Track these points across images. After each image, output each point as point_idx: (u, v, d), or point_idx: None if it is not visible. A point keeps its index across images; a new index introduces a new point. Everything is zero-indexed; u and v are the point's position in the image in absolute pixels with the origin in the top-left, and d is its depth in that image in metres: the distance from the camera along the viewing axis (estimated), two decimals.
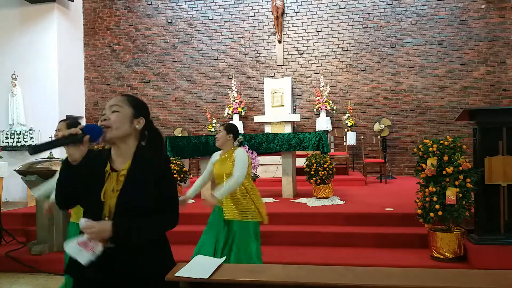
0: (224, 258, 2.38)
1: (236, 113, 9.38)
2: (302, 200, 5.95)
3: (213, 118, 9.60)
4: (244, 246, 3.17)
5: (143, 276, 1.62)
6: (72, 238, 1.58)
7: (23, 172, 4.75)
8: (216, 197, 3.10)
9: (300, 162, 6.86)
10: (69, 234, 3.14)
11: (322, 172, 5.74)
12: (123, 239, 1.57)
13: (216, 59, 10.06)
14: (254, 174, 5.61)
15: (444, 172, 3.84)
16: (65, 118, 3.40)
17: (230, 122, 3.46)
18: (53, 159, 4.64)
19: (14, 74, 9.31)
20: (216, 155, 3.44)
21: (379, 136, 8.79)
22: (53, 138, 1.64)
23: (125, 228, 1.56)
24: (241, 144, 3.47)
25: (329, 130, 8.97)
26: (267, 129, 9.04)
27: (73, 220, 3.13)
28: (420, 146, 4.10)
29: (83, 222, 1.55)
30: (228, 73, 9.95)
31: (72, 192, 1.63)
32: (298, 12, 9.73)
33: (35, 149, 1.49)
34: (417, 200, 4.09)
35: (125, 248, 1.59)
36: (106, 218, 1.59)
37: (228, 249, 3.16)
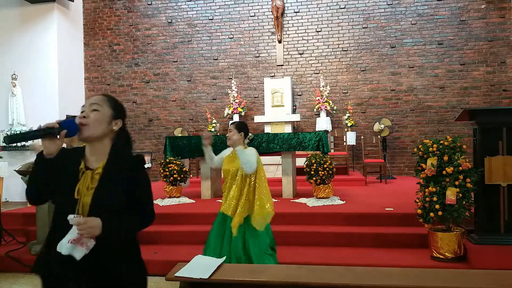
0: (224, 258, 2.37)
1: (236, 113, 9.38)
2: (302, 200, 5.94)
3: (213, 118, 9.60)
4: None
5: (122, 277, 1.63)
6: (64, 237, 1.56)
7: (23, 172, 4.75)
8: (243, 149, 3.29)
9: (300, 162, 6.86)
10: None
11: (322, 172, 5.73)
12: (109, 236, 1.58)
13: (216, 59, 10.06)
14: None
15: (444, 172, 3.84)
16: (65, 118, 3.35)
17: (240, 120, 3.52)
18: None
19: (14, 74, 9.31)
20: (227, 151, 3.51)
21: (379, 136, 8.79)
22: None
23: (112, 225, 1.59)
24: (251, 142, 3.52)
25: (329, 130, 8.97)
26: (267, 129, 9.04)
27: None
28: (420, 146, 4.10)
29: (72, 217, 1.54)
30: (228, 73, 9.95)
31: (44, 187, 1.64)
32: (298, 12, 9.73)
33: (11, 139, 1.54)
34: (417, 200, 4.09)
35: (107, 249, 1.60)
36: (80, 216, 1.58)
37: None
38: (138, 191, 1.70)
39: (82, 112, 1.69)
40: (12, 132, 9.08)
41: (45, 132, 1.57)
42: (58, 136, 1.59)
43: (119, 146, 1.74)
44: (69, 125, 1.61)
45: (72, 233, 1.55)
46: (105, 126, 1.70)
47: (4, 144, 8.94)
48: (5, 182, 8.52)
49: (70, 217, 1.54)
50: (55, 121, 1.61)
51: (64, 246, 1.54)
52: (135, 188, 1.68)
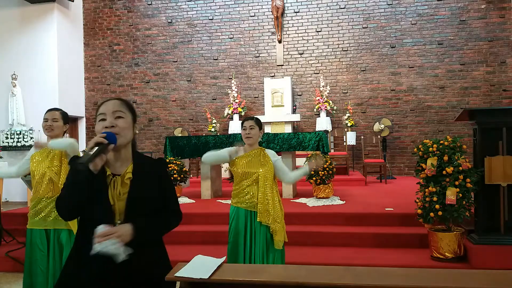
0: (224, 258, 2.35)
1: (236, 113, 9.38)
2: (302, 200, 5.95)
3: (213, 118, 9.60)
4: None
5: (146, 276, 1.65)
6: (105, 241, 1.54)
7: None
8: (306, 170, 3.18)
9: (300, 162, 6.86)
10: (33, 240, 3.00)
11: (322, 172, 5.73)
12: (141, 240, 1.61)
13: (216, 59, 10.06)
14: None
15: (444, 172, 3.84)
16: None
17: (255, 117, 3.27)
18: None
19: (14, 74, 9.31)
20: (237, 150, 3.20)
21: (379, 136, 8.79)
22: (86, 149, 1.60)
23: (142, 229, 1.61)
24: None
25: (329, 130, 8.97)
26: (267, 129, 9.04)
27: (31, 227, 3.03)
28: (420, 146, 4.10)
29: (102, 228, 1.53)
30: (228, 73, 9.95)
31: (81, 201, 1.60)
32: (298, 12, 9.73)
33: (84, 166, 1.49)
34: (417, 200, 4.09)
35: (136, 256, 1.61)
36: (119, 222, 1.61)
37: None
38: (166, 192, 1.76)
39: (101, 120, 1.63)
40: (13, 132, 9.08)
41: (102, 150, 1.53)
42: (107, 151, 1.57)
43: (137, 150, 1.79)
44: (111, 137, 1.58)
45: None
46: (131, 132, 1.70)
47: (4, 144, 8.94)
48: (5, 182, 8.51)
49: (100, 227, 1.53)
50: (99, 136, 1.56)
51: (105, 245, 1.52)
52: (163, 189, 1.74)
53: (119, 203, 1.62)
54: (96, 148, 1.52)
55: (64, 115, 3.08)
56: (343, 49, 9.52)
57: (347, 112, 8.97)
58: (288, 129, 8.89)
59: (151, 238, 1.69)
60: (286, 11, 9.75)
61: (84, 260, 1.60)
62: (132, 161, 1.70)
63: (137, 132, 1.75)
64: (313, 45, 9.64)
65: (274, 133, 6.28)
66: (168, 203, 1.77)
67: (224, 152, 3.14)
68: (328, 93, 9.12)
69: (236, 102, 9.38)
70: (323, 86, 9.18)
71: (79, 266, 1.62)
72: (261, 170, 3.09)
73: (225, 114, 9.50)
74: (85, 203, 1.60)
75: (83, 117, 10.57)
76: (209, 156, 3.20)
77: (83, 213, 1.65)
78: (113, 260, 1.55)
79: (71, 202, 1.60)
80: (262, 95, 9.56)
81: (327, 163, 5.80)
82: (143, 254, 1.65)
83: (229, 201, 3.30)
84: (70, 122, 3.07)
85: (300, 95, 9.69)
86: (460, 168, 3.81)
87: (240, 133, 3.31)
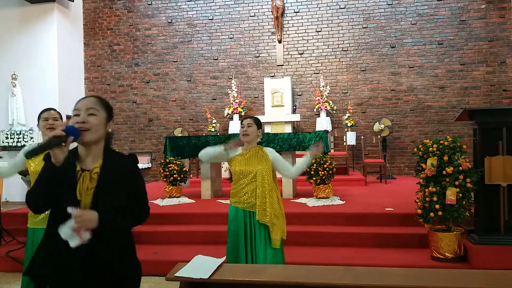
0: (224, 258, 2.34)
1: (236, 113, 9.38)
2: (302, 200, 5.94)
3: (213, 118, 9.60)
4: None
5: (115, 275, 1.67)
6: (66, 223, 1.59)
7: (23, 172, 4.74)
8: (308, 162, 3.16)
9: None
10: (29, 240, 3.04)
11: (322, 172, 5.73)
12: (105, 230, 1.63)
13: (216, 59, 10.05)
14: None
15: (444, 172, 3.84)
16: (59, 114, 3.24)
17: (255, 116, 3.26)
18: None
19: (14, 74, 9.31)
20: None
21: (379, 136, 8.78)
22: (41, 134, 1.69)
23: (109, 221, 1.63)
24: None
25: (329, 130, 8.97)
26: (267, 129, 9.04)
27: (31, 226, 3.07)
28: (420, 146, 4.10)
29: (71, 210, 1.58)
30: (228, 73, 9.95)
31: (48, 194, 1.65)
32: (298, 12, 9.73)
33: (31, 154, 1.59)
34: (417, 200, 4.09)
35: (101, 246, 1.64)
36: (78, 209, 1.63)
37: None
38: (135, 189, 1.77)
39: (75, 115, 1.70)
40: (13, 132, 9.09)
41: (57, 142, 1.59)
42: (64, 144, 1.61)
43: (109, 146, 1.81)
44: (72, 131, 1.64)
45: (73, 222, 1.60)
46: (103, 130, 1.74)
47: (4, 144, 8.95)
48: (5, 182, 8.50)
49: (69, 209, 1.58)
50: (59, 129, 1.62)
51: (64, 230, 1.58)
52: (132, 185, 1.76)
53: (86, 198, 1.66)
54: (49, 140, 1.58)
55: (60, 114, 3.15)
56: (343, 49, 9.52)
57: (347, 112, 8.97)
58: (288, 129, 8.89)
59: (113, 231, 1.68)
60: (286, 11, 9.74)
61: (52, 251, 1.65)
62: (103, 157, 1.74)
63: (110, 130, 1.78)
64: (313, 45, 9.64)
65: (274, 133, 6.28)
66: (136, 199, 1.77)
67: (220, 147, 3.05)
68: (328, 93, 9.12)
69: (236, 102, 9.38)
70: (323, 86, 9.18)
71: (46, 258, 1.66)
72: (259, 167, 3.09)
73: (225, 114, 9.50)
74: (54, 198, 1.65)
75: None
76: (205, 153, 3.14)
77: (54, 207, 1.70)
78: (80, 253, 1.58)
79: (39, 196, 1.66)
80: (262, 95, 9.56)
81: (327, 163, 5.80)
82: (112, 249, 1.67)
83: (228, 201, 3.29)
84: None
85: (300, 95, 9.69)
86: (460, 168, 3.81)
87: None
